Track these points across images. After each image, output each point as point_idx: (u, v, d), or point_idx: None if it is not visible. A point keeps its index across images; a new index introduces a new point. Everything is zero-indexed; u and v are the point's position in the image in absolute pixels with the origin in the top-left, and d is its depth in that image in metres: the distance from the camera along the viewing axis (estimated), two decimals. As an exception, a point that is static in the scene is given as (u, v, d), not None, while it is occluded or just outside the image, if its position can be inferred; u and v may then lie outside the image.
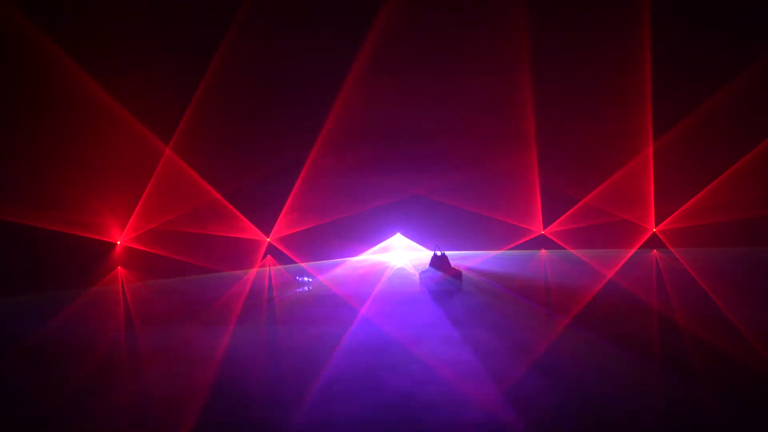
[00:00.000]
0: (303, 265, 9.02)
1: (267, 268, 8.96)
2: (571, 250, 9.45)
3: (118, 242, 8.60)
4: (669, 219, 9.10)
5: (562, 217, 9.53)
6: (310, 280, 8.07)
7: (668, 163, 8.93)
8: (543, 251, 9.67)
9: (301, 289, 7.39)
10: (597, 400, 3.56)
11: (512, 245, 9.67)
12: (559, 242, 9.59)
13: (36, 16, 7.23)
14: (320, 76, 8.77)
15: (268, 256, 9.45)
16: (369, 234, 10.08)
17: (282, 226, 9.55)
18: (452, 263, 7.78)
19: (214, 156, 8.98)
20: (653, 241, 9.23)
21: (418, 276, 7.84)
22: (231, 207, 9.11)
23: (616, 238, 9.31)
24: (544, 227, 9.70)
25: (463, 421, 3.31)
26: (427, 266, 7.79)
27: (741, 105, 8.45)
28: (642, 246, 9.22)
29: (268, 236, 9.52)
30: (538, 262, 9.14)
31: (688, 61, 8.57)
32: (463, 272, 7.78)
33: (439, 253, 7.82)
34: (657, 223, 9.22)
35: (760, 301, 6.15)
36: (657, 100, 8.65)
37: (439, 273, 7.59)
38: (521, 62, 8.79)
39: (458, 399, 3.59)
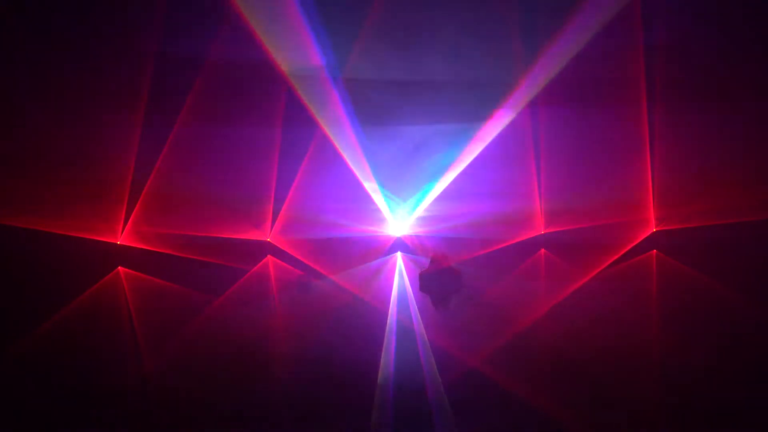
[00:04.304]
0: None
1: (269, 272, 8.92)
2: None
3: (118, 242, 8.61)
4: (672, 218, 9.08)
5: (564, 216, 9.50)
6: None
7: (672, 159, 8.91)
8: (543, 251, 9.65)
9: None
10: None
11: (508, 243, 9.64)
12: (560, 243, 9.56)
13: (31, 17, 7.25)
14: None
15: (268, 256, 9.45)
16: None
17: (284, 225, 9.54)
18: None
19: (212, 150, 8.99)
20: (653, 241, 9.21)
21: (419, 276, 7.84)
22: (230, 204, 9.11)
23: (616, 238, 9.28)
24: (546, 226, 9.68)
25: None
26: (427, 267, 7.78)
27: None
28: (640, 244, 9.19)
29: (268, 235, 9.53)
30: (537, 264, 9.15)
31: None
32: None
33: (439, 253, 7.81)
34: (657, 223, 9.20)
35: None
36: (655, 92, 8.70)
37: (439, 273, 7.58)
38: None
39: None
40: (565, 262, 9.01)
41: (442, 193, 9.86)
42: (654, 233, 9.21)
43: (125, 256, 8.57)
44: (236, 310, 6.30)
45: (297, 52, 8.69)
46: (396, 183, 9.90)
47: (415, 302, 6.37)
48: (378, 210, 10.06)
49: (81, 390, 3.89)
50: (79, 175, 8.20)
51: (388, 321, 5.45)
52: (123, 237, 8.58)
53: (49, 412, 3.56)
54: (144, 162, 8.52)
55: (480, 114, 9.30)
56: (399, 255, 10.00)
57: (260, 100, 9.02)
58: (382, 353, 4.41)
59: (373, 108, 9.21)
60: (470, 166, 9.60)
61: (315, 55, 8.70)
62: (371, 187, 9.82)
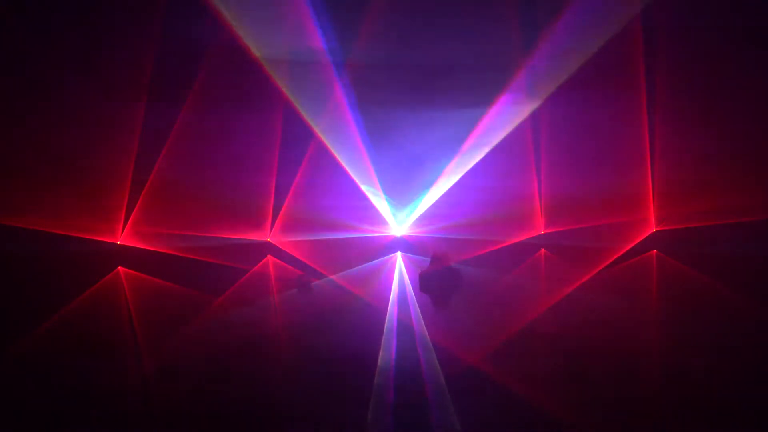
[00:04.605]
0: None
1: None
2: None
3: (118, 242, 8.60)
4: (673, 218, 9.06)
5: (564, 216, 9.49)
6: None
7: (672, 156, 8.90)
8: (543, 251, 9.66)
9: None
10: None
11: (508, 243, 9.64)
12: (560, 243, 9.56)
13: (31, 18, 7.26)
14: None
15: (268, 256, 9.45)
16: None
17: (284, 225, 9.54)
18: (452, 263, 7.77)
19: (212, 150, 8.99)
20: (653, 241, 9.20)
21: (419, 276, 7.83)
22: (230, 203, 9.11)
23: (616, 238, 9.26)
24: (546, 226, 9.67)
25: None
26: (427, 266, 7.77)
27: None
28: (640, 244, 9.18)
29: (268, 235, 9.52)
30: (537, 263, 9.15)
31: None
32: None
33: (439, 253, 7.80)
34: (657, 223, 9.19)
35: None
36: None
37: (439, 273, 7.57)
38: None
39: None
40: (565, 261, 9.02)
41: (442, 193, 9.87)
42: (654, 233, 9.20)
43: (125, 256, 8.57)
44: (236, 310, 6.30)
45: (302, 53, 8.73)
46: (397, 183, 9.91)
47: (415, 302, 6.37)
48: (378, 209, 10.07)
49: (81, 390, 3.89)
50: (79, 175, 8.20)
51: (389, 321, 5.45)
52: (123, 237, 8.57)
53: (49, 412, 3.55)
54: (144, 162, 8.52)
55: (481, 114, 9.32)
56: (399, 255, 10.01)
57: (261, 100, 9.03)
58: (383, 353, 4.42)
59: (377, 108, 9.24)
60: (470, 166, 9.61)
61: (321, 57, 8.76)
62: (372, 187, 9.83)
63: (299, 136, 9.28)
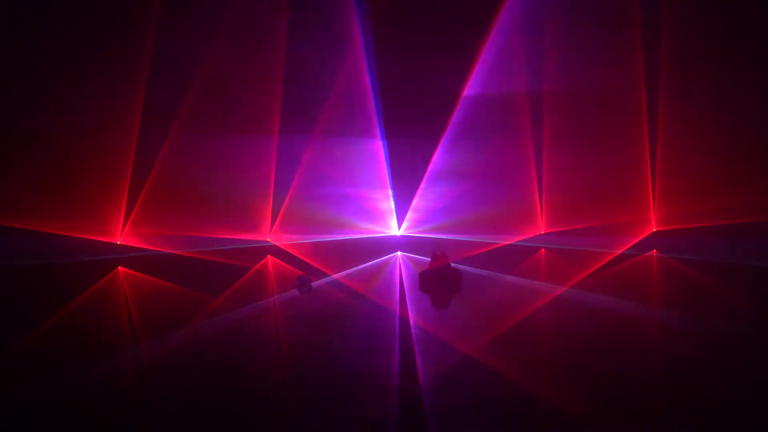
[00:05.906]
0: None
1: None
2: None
3: (118, 242, 8.60)
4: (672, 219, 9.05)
5: (564, 216, 9.49)
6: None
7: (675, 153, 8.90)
8: (543, 251, 9.66)
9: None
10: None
11: (508, 243, 9.64)
12: (560, 243, 9.57)
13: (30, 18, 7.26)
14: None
15: (268, 256, 9.45)
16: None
17: (284, 225, 9.53)
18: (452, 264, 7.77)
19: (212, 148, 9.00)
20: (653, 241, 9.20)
21: (419, 276, 7.83)
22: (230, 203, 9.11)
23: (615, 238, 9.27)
24: (546, 226, 9.67)
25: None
26: (427, 266, 7.77)
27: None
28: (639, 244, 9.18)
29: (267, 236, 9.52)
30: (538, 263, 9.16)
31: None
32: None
33: (439, 253, 7.80)
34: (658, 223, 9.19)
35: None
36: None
37: (440, 273, 7.57)
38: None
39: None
40: (565, 261, 9.02)
41: (442, 192, 9.87)
42: (654, 233, 9.20)
43: (125, 256, 8.57)
44: (236, 310, 6.31)
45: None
46: (398, 183, 9.92)
47: (414, 302, 6.38)
48: (379, 209, 10.07)
49: (81, 390, 3.90)
50: (78, 175, 8.20)
51: (389, 320, 5.46)
52: (123, 237, 8.57)
53: (49, 412, 3.56)
54: (144, 162, 8.52)
55: (482, 115, 9.35)
56: (399, 254, 10.02)
57: (261, 99, 9.02)
58: (383, 352, 4.42)
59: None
60: (470, 165, 9.62)
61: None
62: (375, 186, 9.84)
63: (299, 132, 9.30)
